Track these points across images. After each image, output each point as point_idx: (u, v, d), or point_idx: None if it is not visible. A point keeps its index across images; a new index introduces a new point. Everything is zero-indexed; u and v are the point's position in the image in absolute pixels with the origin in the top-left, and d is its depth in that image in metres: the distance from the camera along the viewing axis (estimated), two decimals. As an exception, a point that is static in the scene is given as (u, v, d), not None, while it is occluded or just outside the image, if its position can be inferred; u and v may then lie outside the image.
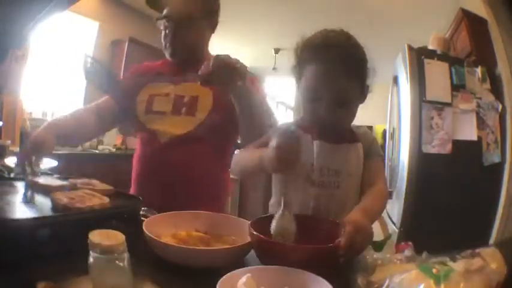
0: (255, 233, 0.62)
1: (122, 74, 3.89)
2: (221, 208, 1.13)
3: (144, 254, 0.65)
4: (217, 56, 0.84)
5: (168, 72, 1.17)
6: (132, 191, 1.13)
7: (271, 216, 0.71)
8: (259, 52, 5.49)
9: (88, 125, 1.15)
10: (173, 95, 1.10)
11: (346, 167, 0.82)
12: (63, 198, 0.68)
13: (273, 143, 0.64)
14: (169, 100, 1.10)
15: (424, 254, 0.56)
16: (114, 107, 1.19)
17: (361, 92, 0.82)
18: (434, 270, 0.47)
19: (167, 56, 1.14)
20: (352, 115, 0.82)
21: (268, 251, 0.62)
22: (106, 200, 0.73)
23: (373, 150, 0.86)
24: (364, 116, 1.03)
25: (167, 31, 1.10)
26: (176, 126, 1.06)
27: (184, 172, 1.04)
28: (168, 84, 1.13)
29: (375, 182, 0.82)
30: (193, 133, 1.05)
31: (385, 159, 2.47)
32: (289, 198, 0.78)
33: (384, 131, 2.71)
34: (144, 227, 0.65)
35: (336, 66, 0.75)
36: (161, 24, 1.11)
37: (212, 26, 1.17)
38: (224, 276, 0.50)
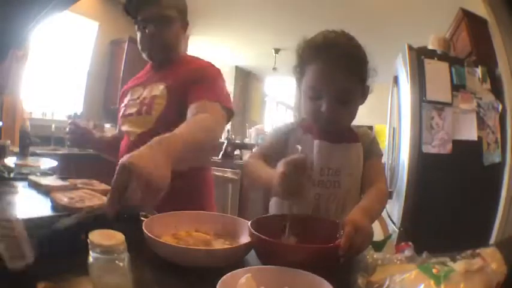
0: (255, 233, 0.62)
1: (121, 74, 3.90)
2: (205, 204, 1.15)
3: (144, 254, 0.65)
4: (113, 193, 0.59)
5: (145, 76, 1.25)
6: None
7: (272, 217, 0.71)
8: (259, 52, 5.49)
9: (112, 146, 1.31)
10: (141, 97, 1.17)
11: (346, 167, 0.82)
12: (63, 198, 0.68)
13: (276, 176, 0.64)
14: (137, 104, 1.17)
15: (424, 254, 0.56)
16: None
17: (362, 91, 0.83)
18: (434, 271, 0.47)
19: (144, 57, 1.20)
20: (353, 114, 0.83)
21: (269, 251, 0.61)
22: (106, 200, 0.73)
23: (373, 150, 0.87)
24: (364, 116, 1.04)
25: (146, 32, 1.13)
26: (139, 125, 1.14)
27: None
28: (140, 88, 1.21)
29: (375, 181, 0.82)
30: (154, 130, 1.07)
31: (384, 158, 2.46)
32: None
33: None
34: (144, 227, 0.65)
35: (338, 65, 0.76)
36: (139, 28, 1.16)
37: (184, 27, 1.22)
38: (224, 276, 0.49)
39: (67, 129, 1.24)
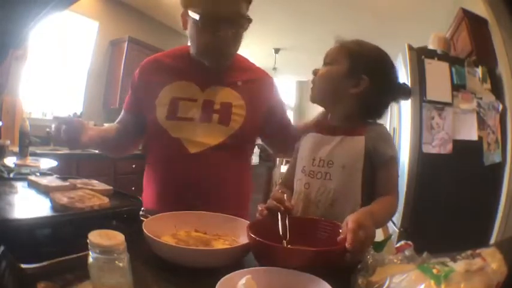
0: (253, 236, 0.62)
1: (121, 74, 3.90)
2: (246, 214, 1.06)
3: (144, 254, 0.65)
4: None
5: (191, 70, 1.04)
6: (152, 203, 1.02)
7: (270, 219, 0.71)
8: (259, 52, 5.48)
9: (111, 141, 1.10)
10: (201, 101, 1.00)
11: (338, 158, 0.79)
12: (63, 198, 0.68)
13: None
14: (197, 106, 0.99)
15: (425, 254, 0.56)
16: (132, 119, 1.11)
17: (351, 81, 0.83)
18: (434, 271, 0.47)
19: (194, 53, 1.01)
20: (343, 105, 0.84)
21: (267, 255, 0.61)
22: (106, 200, 0.73)
23: (380, 151, 0.78)
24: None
25: (218, 35, 0.94)
26: (208, 135, 0.97)
27: (216, 182, 0.97)
28: (192, 84, 1.02)
29: (385, 193, 0.78)
30: (227, 143, 0.97)
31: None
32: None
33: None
34: (144, 227, 0.65)
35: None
36: (197, 21, 0.94)
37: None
38: (224, 278, 0.49)
39: (55, 128, 0.94)
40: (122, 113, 1.15)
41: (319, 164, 0.81)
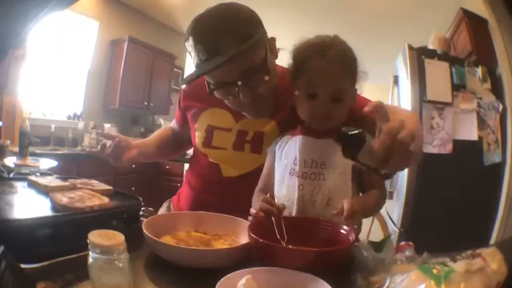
0: (254, 236, 0.62)
1: (121, 74, 3.90)
2: None
3: (144, 254, 0.65)
4: None
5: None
6: (187, 201, 1.09)
7: (270, 219, 0.71)
8: (259, 52, 5.48)
9: (154, 157, 1.26)
10: (236, 130, 1.01)
11: (331, 160, 0.82)
12: (63, 198, 0.68)
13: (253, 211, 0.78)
14: (230, 136, 1.01)
15: (425, 254, 0.56)
16: (181, 130, 1.20)
17: (353, 93, 0.85)
18: (434, 271, 0.47)
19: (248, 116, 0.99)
20: (344, 114, 0.84)
21: (269, 255, 0.60)
22: (106, 200, 0.73)
23: None
24: (364, 116, 1.03)
25: (241, 99, 0.87)
26: (241, 164, 1.00)
27: (244, 206, 0.92)
28: (227, 113, 1.02)
29: (371, 188, 0.85)
30: (258, 170, 0.97)
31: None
32: (276, 192, 0.84)
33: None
34: (144, 227, 0.65)
35: (334, 65, 0.79)
36: (227, 93, 0.89)
37: (273, 49, 0.94)
38: (224, 278, 0.49)
39: (102, 144, 1.05)
40: (174, 121, 1.25)
41: (311, 165, 0.82)
